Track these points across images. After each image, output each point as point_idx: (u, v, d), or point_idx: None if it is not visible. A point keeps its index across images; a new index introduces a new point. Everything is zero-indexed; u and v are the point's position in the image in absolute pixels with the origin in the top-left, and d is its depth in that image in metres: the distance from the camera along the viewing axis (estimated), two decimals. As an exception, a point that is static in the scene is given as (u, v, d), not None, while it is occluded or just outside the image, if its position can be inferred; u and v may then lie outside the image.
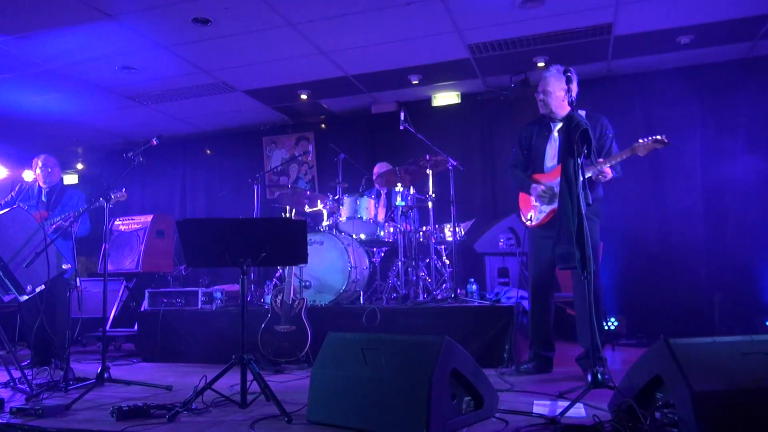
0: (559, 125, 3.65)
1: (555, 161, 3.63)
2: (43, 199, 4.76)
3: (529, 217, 3.78)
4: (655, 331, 5.55)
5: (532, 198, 3.74)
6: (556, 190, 3.45)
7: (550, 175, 3.66)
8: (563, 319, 4.69)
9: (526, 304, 4.15)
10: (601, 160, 3.52)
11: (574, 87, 3.25)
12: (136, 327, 5.32)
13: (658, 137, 3.27)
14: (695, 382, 1.89)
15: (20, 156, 7.53)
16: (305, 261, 3.25)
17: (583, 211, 2.85)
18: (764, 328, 5.40)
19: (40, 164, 4.82)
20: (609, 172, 3.49)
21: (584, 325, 3.56)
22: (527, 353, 3.95)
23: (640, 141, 3.36)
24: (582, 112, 3.55)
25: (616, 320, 5.80)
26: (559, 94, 3.57)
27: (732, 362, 1.99)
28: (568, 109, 3.50)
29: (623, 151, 3.49)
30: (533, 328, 3.83)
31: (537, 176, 3.75)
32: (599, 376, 2.70)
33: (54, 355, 4.41)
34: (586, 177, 3.42)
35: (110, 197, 3.81)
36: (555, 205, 3.55)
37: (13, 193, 4.87)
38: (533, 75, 6.14)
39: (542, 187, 3.66)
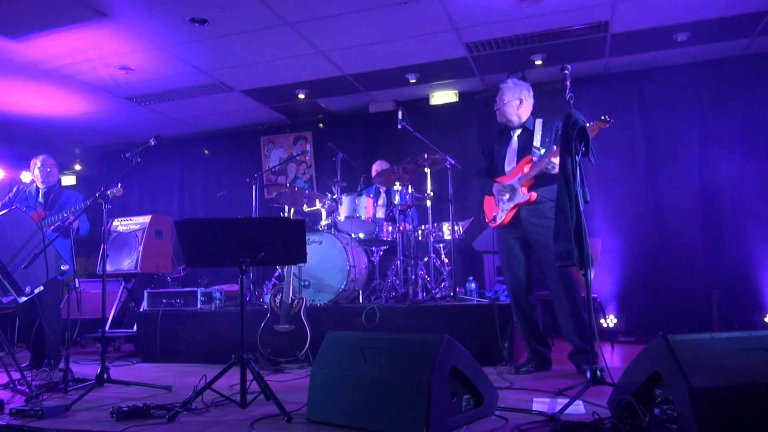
0: (518, 131, 3.86)
1: (514, 163, 3.82)
2: (41, 199, 4.75)
3: (492, 217, 3.90)
4: (653, 328, 5.58)
5: (494, 198, 3.87)
6: (516, 187, 3.71)
7: (509, 176, 3.81)
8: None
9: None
10: (555, 148, 3.61)
11: (568, 84, 3.27)
12: (135, 328, 5.32)
13: (602, 117, 3.30)
14: (694, 378, 1.90)
15: (17, 157, 7.54)
16: (304, 260, 3.25)
17: (582, 208, 2.85)
18: (762, 324, 5.42)
19: (38, 164, 4.81)
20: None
21: (566, 321, 3.63)
22: (526, 353, 3.96)
23: (588, 124, 3.39)
24: (539, 120, 3.80)
25: (615, 317, 5.81)
26: (514, 103, 3.81)
27: (730, 358, 2.00)
28: (523, 117, 3.82)
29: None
30: (524, 330, 3.87)
31: (499, 179, 3.87)
32: (598, 373, 2.71)
33: (46, 356, 4.42)
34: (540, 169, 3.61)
35: (107, 196, 3.80)
36: (516, 201, 3.72)
37: (10, 195, 4.86)
38: (531, 73, 6.14)
39: (499, 185, 3.80)
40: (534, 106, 3.87)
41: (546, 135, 3.71)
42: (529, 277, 3.86)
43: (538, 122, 3.80)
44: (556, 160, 3.52)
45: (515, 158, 3.81)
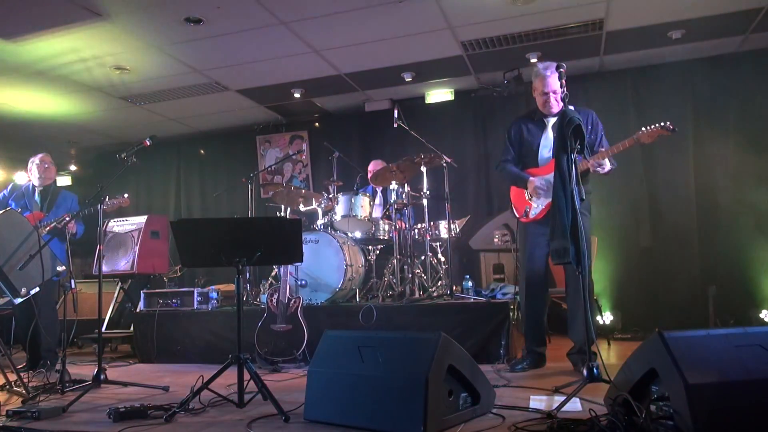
0: (553, 121, 3.66)
1: (550, 154, 3.63)
2: (37, 199, 4.73)
3: (524, 212, 3.76)
4: (649, 325, 5.59)
5: (527, 192, 3.73)
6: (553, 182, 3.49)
7: (545, 169, 3.66)
8: (558, 314, 4.72)
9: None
10: (603, 149, 3.53)
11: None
12: (131, 328, 5.31)
13: (663, 123, 3.26)
14: (690, 374, 1.91)
15: (12, 158, 7.51)
16: (301, 260, 3.25)
17: (577, 206, 2.86)
18: (758, 320, 5.44)
19: (36, 161, 4.80)
20: (607, 164, 3.51)
21: (575, 320, 3.59)
22: (521, 351, 3.96)
23: (643, 129, 3.36)
24: (571, 107, 3.60)
25: (611, 314, 5.83)
26: (559, 91, 3.58)
27: (726, 354, 2.00)
28: (561, 104, 3.54)
29: (626, 139, 3.46)
30: (529, 325, 3.81)
31: (531, 171, 3.75)
32: (594, 370, 2.71)
33: (42, 357, 4.41)
34: (586, 169, 3.47)
35: (104, 201, 3.78)
36: (551, 199, 3.55)
37: (5, 192, 4.85)
38: (526, 71, 6.14)
39: (539, 181, 3.66)
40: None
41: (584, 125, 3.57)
42: (547, 276, 3.80)
43: (573, 110, 3.70)
44: (606, 162, 3.47)
45: (551, 150, 3.61)
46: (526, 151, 3.78)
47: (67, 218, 4.29)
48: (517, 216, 3.85)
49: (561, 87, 3.25)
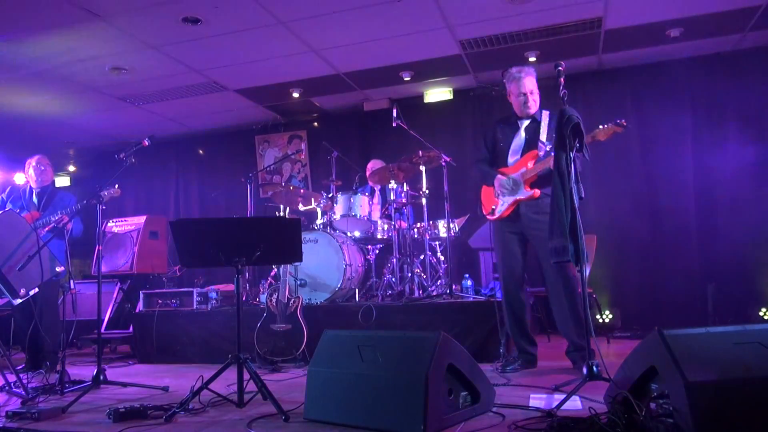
0: (527, 122, 3.78)
1: (518, 155, 3.75)
2: (34, 200, 4.73)
3: (491, 210, 3.84)
4: (648, 323, 5.58)
5: (495, 189, 3.80)
6: (519, 182, 3.66)
7: (513, 168, 3.76)
8: (551, 312, 4.71)
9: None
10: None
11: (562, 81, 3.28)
12: (131, 328, 5.30)
13: (617, 121, 3.31)
14: (689, 372, 1.91)
15: (10, 159, 7.49)
16: (300, 259, 3.25)
17: (576, 205, 2.86)
18: (757, 317, 5.45)
19: (33, 164, 4.79)
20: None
21: (564, 318, 3.61)
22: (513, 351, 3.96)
23: (600, 126, 3.39)
24: (546, 112, 3.73)
25: (610, 312, 5.83)
26: (536, 92, 3.73)
27: (725, 352, 2.00)
28: (536, 107, 3.74)
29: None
30: (514, 327, 3.82)
31: (501, 170, 3.82)
32: (594, 368, 2.72)
33: (44, 358, 4.40)
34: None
35: (102, 197, 3.78)
36: (517, 196, 3.69)
37: (3, 195, 4.85)
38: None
39: (504, 177, 3.74)
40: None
41: (554, 129, 3.60)
42: (523, 273, 3.85)
43: (545, 114, 3.74)
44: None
45: (520, 151, 3.74)
46: (498, 152, 3.87)
47: (65, 219, 4.28)
48: (484, 213, 3.93)
49: (538, 88, 3.53)
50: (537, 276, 4.03)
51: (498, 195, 3.79)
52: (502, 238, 3.82)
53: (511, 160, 3.79)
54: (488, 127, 4.02)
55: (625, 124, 3.31)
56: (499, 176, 3.77)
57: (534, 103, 3.73)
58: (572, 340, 3.61)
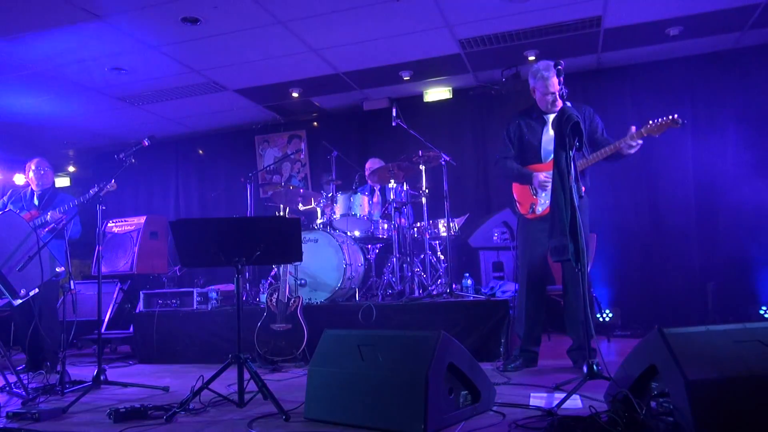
0: (552, 117, 3.63)
1: (552, 150, 3.60)
2: (35, 201, 4.73)
3: (530, 208, 3.72)
4: (649, 322, 5.60)
5: (531, 188, 3.71)
6: None
7: (549, 165, 3.64)
8: (557, 311, 4.71)
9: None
10: (634, 130, 3.53)
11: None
12: (131, 329, 5.30)
13: (674, 116, 3.27)
14: (689, 371, 1.91)
15: (10, 160, 7.49)
16: (300, 259, 3.25)
17: (576, 203, 2.85)
18: (757, 316, 5.45)
19: (33, 167, 4.80)
20: (638, 143, 3.53)
21: (574, 317, 3.59)
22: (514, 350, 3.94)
23: (651, 122, 3.36)
24: (568, 103, 3.61)
25: (610, 311, 5.83)
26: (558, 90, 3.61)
27: (725, 350, 2.01)
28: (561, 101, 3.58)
29: (639, 130, 3.51)
30: (528, 324, 3.75)
31: (534, 167, 3.73)
32: (594, 367, 2.71)
33: (44, 358, 4.40)
34: (615, 152, 3.52)
35: (100, 196, 3.78)
36: None
37: (5, 198, 4.85)
38: (524, 69, 6.14)
39: (544, 174, 3.64)
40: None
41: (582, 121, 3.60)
42: (548, 274, 3.80)
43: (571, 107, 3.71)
44: (633, 142, 3.48)
45: (553, 145, 3.65)
46: (527, 148, 3.77)
47: (63, 218, 4.29)
48: (521, 212, 3.80)
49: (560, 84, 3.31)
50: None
51: (536, 192, 3.69)
52: (533, 235, 3.71)
53: (545, 154, 3.69)
54: (510, 122, 3.89)
55: (680, 120, 3.25)
56: (536, 173, 3.67)
57: (559, 101, 3.63)
58: (578, 339, 3.60)
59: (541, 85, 3.66)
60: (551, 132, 3.62)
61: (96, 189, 3.82)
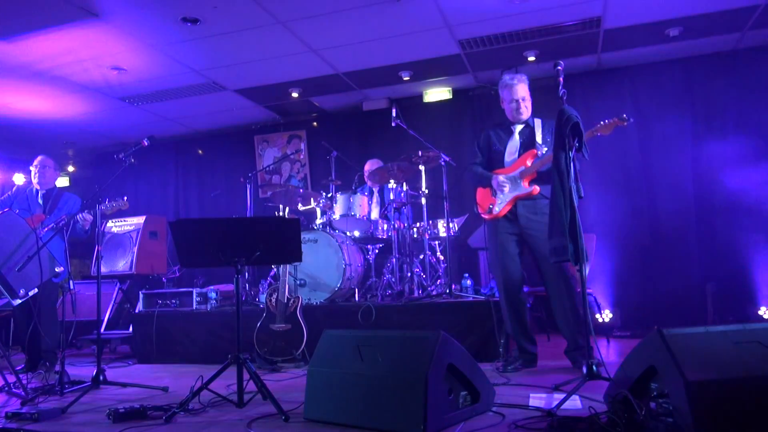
0: (520, 127, 3.85)
1: (515, 156, 3.80)
2: (40, 201, 4.73)
3: (488, 209, 3.86)
4: (648, 323, 5.60)
5: (492, 190, 3.84)
6: (518, 179, 3.71)
7: (510, 168, 3.80)
8: (551, 311, 4.71)
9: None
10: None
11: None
12: (130, 329, 5.30)
13: (621, 115, 3.36)
14: (689, 371, 1.91)
15: (10, 160, 7.50)
16: (299, 259, 3.24)
17: (576, 204, 2.86)
18: (756, 316, 5.45)
19: (35, 164, 4.80)
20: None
21: (563, 318, 3.63)
22: (512, 351, 3.95)
23: (602, 122, 3.41)
24: (538, 119, 3.82)
25: (610, 312, 5.83)
26: (528, 98, 3.81)
27: (725, 351, 2.01)
28: (529, 113, 3.83)
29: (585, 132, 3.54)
30: (515, 326, 3.80)
31: (498, 171, 3.85)
32: (594, 367, 2.72)
33: (41, 358, 4.40)
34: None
35: (105, 204, 3.79)
36: (516, 193, 3.72)
37: (9, 193, 4.86)
38: (524, 69, 6.14)
39: (502, 176, 3.78)
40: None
41: (547, 134, 3.72)
42: (522, 273, 3.85)
43: (537, 121, 3.82)
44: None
45: (517, 152, 3.79)
46: (494, 156, 3.91)
47: (64, 218, 4.29)
48: (480, 213, 3.95)
49: (531, 95, 3.69)
50: (535, 276, 4.02)
51: (495, 193, 3.82)
52: (499, 239, 3.82)
53: (508, 160, 3.83)
54: (481, 133, 4.08)
55: (627, 117, 3.35)
56: (495, 176, 3.81)
57: (526, 110, 3.81)
58: (572, 339, 3.63)
59: (506, 94, 3.83)
60: (516, 140, 3.83)
61: (107, 202, 3.82)
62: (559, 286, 3.60)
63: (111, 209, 4.21)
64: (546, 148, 3.67)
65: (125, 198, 4.09)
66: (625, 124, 3.38)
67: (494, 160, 3.90)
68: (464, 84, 6.73)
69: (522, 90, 3.77)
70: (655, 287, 5.91)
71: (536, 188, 3.66)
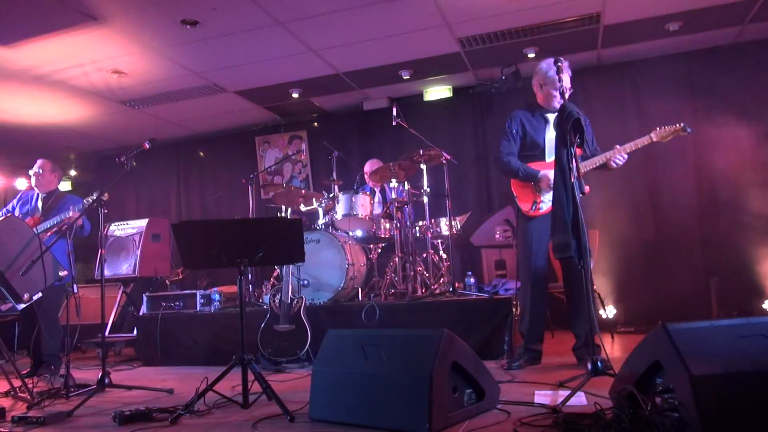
0: (553, 116, 3.67)
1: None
2: (39, 205, 4.74)
3: (533, 206, 3.71)
4: (652, 318, 5.59)
5: (535, 186, 3.70)
6: None
7: (552, 164, 3.60)
8: (561, 308, 4.71)
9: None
10: (618, 146, 3.60)
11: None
12: (135, 332, 5.31)
13: (683, 125, 3.34)
14: (694, 366, 1.90)
15: (12, 164, 7.51)
16: (302, 260, 3.24)
17: (578, 200, 2.85)
18: (761, 310, 5.44)
19: (34, 169, 4.82)
20: (624, 158, 3.63)
21: (577, 314, 3.59)
22: (517, 349, 3.93)
23: (658, 129, 3.39)
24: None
25: (614, 308, 5.82)
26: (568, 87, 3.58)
27: (730, 345, 2.00)
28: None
29: (643, 138, 3.59)
30: (533, 323, 3.74)
31: (536, 164, 3.72)
32: (599, 364, 2.71)
33: (43, 362, 4.41)
34: (605, 162, 3.58)
35: (102, 202, 3.78)
36: None
37: (14, 201, 4.87)
38: (524, 67, 6.14)
39: (550, 172, 3.58)
40: None
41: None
42: (550, 270, 3.81)
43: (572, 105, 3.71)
44: (624, 155, 3.59)
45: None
46: (530, 145, 3.76)
47: (68, 215, 4.30)
48: (523, 210, 3.77)
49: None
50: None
51: (540, 191, 3.69)
52: (536, 235, 3.70)
53: (549, 154, 3.68)
54: (511, 118, 3.83)
55: (689, 130, 3.35)
56: (543, 172, 3.66)
57: (557, 100, 3.64)
58: (585, 337, 3.59)
59: (554, 78, 3.54)
60: (553, 130, 3.64)
61: (99, 198, 3.81)
62: (581, 286, 3.53)
63: (85, 206, 4.15)
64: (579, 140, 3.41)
65: (105, 195, 3.99)
66: (685, 134, 3.36)
67: (531, 151, 3.74)
68: (464, 82, 6.72)
69: (565, 80, 3.48)
70: (659, 282, 5.90)
71: (587, 188, 3.51)
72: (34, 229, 4.21)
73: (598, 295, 5.44)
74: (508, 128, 3.82)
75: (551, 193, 3.56)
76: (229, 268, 3.06)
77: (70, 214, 4.31)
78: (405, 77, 6.38)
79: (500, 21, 5.16)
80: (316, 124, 7.63)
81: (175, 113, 7.09)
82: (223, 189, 7.74)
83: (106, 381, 3.53)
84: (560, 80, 3.38)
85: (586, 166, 3.60)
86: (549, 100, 3.70)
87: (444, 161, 4.90)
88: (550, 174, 3.59)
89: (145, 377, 4.34)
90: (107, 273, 5.72)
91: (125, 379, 3.92)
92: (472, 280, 4.84)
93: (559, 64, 3.40)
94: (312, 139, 7.55)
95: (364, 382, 2.47)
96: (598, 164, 3.63)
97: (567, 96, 3.33)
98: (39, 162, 4.84)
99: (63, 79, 5.78)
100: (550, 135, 3.69)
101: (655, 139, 3.50)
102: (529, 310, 3.75)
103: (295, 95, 6.72)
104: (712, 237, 5.82)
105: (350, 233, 5.18)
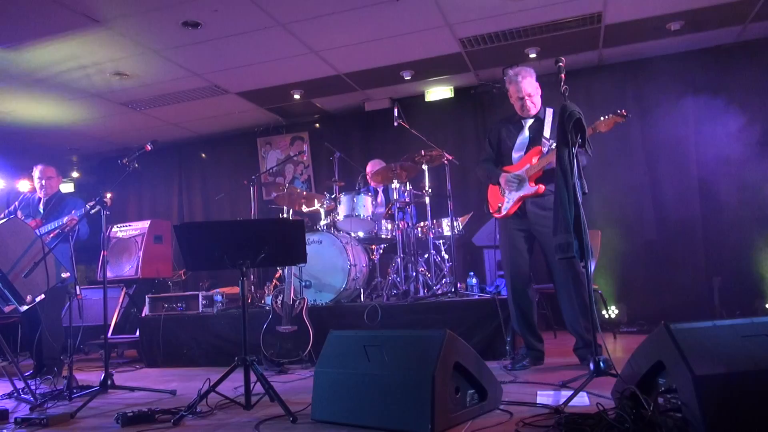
0: (531, 121, 3.80)
1: (522, 152, 3.77)
2: (40, 208, 4.75)
3: (497, 208, 3.84)
4: (655, 318, 5.58)
5: (500, 187, 3.81)
6: (524, 178, 3.68)
7: (517, 166, 3.77)
8: (557, 308, 4.71)
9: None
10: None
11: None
12: (137, 333, 5.31)
13: (618, 111, 3.33)
14: (697, 366, 1.90)
15: (14, 166, 7.52)
16: (304, 261, 3.25)
17: (580, 200, 2.85)
18: (764, 310, 5.43)
19: (36, 175, 4.82)
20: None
21: (571, 315, 3.61)
22: (519, 349, 3.95)
23: (602, 117, 3.39)
24: (550, 110, 3.75)
25: (616, 308, 5.82)
26: (535, 93, 3.75)
27: (733, 345, 1.99)
28: (539, 106, 3.78)
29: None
30: (522, 325, 3.80)
31: (506, 168, 3.83)
32: (601, 364, 2.71)
33: (44, 364, 4.41)
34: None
35: (105, 203, 3.79)
36: (522, 192, 3.70)
37: (16, 203, 4.88)
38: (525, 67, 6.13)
39: (509, 174, 3.74)
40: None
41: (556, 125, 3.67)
42: (530, 270, 3.85)
43: (549, 111, 3.75)
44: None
45: (524, 148, 3.76)
46: (504, 151, 3.88)
47: (65, 220, 4.30)
48: (492, 212, 3.93)
49: (539, 89, 3.65)
50: (542, 273, 4.01)
51: (504, 192, 3.80)
52: (509, 235, 3.81)
53: (515, 157, 3.80)
54: (492, 127, 4.04)
55: (625, 113, 3.33)
56: (504, 173, 3.78)
57: (533, 105, 3.76)
58: (581, 336, 3.60)
59: (513, 89, 3.78)
60: (526, 135, 3.79)
61: (101, 199, 3.80)
62: (567, 282, 3.57)
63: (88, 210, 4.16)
64: (554, 142, 3.57)
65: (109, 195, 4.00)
66: (624, 119, 3.35)
67: (504, 156, 3.87)
68: (466, 82, 6.72)
69: (528, 86, 3.71)
70: (662, 282, 5.89)
71: (541, 187, 3.61)
72: (36, 231, 4.22)
73: (601, 295, 5.43)
74: (487, 137, 4.04)
75: (512, 193, 3.74)
76: (231, 269, 3.06)
77: (67, 219, 4.30)
78: (406, 78, 6.38)
79: (501, 21, 5.16)
80: (317, 125, 7.63)
81: (176, 115, 7.10)
82: (224, 190, 7.75)
83: (109, 382, 3.53)
84: (518, 90, 3.66)
85: (547, 161, 3.62)
86: (516, 105, 3.83)
87: (446, 162, 4.90)
88: (508, 175, 3.74)
89: (148, 378, 4.34)
90: (110, 274, 5.73)
91: (128, 381, 3.92)
92: (474, 280, 4.84)
93: (510, 74, 3.70)
94: (314, 140, 7.56)
95: (367, 382, 2.47)
96: (548, 162, 3.63)
97: (533, 102, 3.68)
98: (41, 168, 4.80)
99: (65, 81, 5.79)
100: (521, 139, 3.80)
101: (601, 129, 3.46)
102: (514, 311, 3.84)
103: (297, 96, 6.72)
104: (715, 236, 5.81)
105: (352, 234, 5.18)
